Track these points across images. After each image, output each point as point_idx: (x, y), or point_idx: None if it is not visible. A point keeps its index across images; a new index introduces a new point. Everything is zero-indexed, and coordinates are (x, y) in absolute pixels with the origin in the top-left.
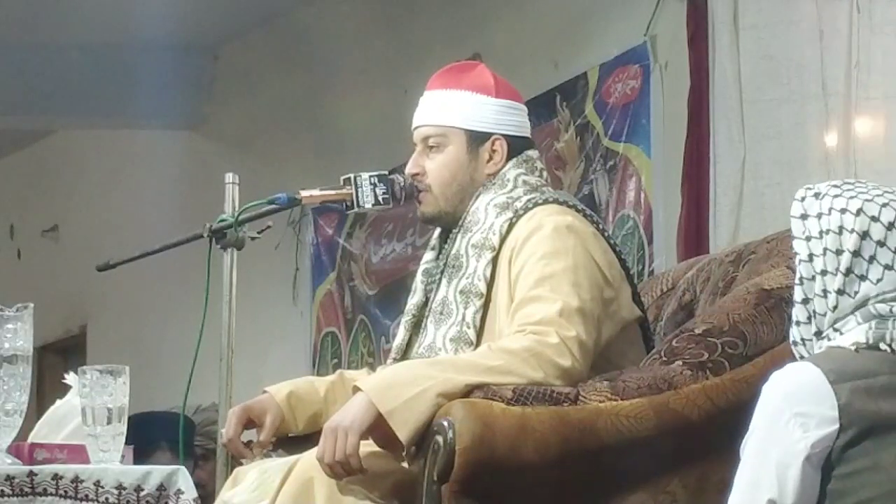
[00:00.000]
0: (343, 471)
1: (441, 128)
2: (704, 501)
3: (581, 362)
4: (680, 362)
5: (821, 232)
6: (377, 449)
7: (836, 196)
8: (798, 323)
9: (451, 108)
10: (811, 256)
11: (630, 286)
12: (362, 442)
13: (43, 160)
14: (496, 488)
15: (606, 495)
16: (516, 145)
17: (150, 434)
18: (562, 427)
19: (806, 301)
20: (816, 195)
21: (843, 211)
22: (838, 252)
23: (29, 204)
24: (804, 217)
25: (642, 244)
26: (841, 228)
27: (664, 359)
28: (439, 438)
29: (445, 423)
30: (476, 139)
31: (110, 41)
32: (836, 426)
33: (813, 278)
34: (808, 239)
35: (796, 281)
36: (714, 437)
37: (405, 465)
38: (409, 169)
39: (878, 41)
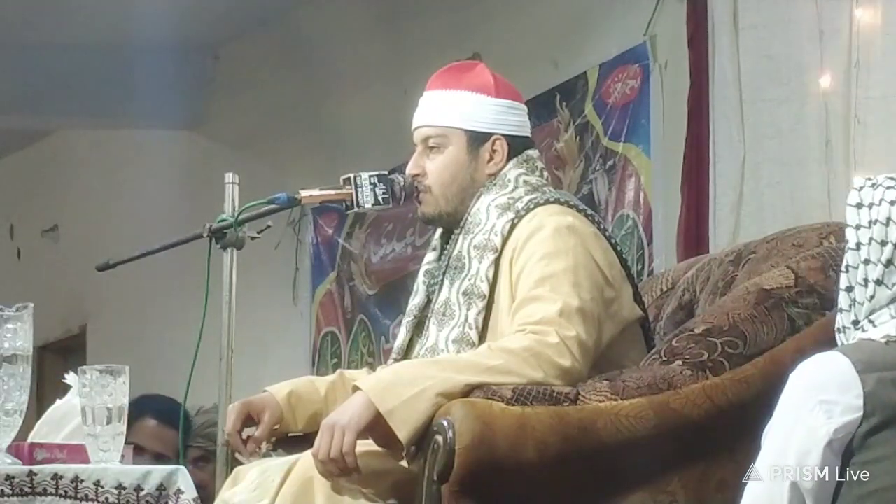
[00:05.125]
0: (337, 468)
1: (441, 128)
2: (704, 501)
3: (581, 362)
4: (680, 362)
5: (870, 222)
6: (376, 448)
7: (889, 187)
8: (841, 311)
9: (451, 108)
10: (858, 245)
11: (631, 286)
12: (361, 441)
13: (43, 160)
14: (496, 488)
15: (606, 495)
16: (517, 145)
17: (136, 408)
18: (561, 427)
19: (850, 289)
20: (874, 185)
21: (892, 203)
22: (883, 243)
23: (29, 204)
24: (859, 206)
25: (642, 244)
26: (888, 220)
27: (664, 358)
28: (439, 438)
29: (445, 423)
30: (476, 139)
31: (110, 41)
32: (860, 413)
33: (857, 266)
34: (858, 228)
35: (842, 269)
36: (714, 436)
37: (405, 464)
38: (410, 169)
39: (878, 41)
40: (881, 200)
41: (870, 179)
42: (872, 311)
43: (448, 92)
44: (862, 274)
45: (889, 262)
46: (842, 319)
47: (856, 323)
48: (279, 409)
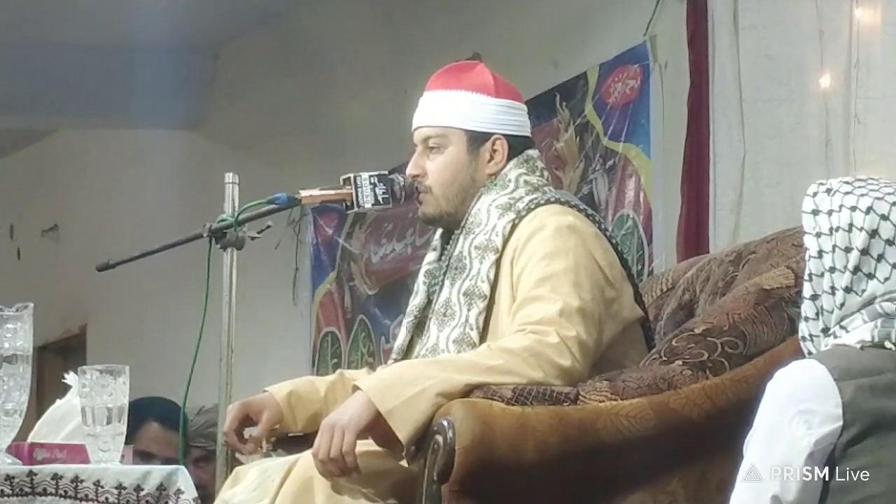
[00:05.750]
0: (337, 468)
1: (441, 128)
2: (704, 501)
3: (581, 362)
4: (680, 362)
5: (831, 229)
6: (376, 448)
7: (846, 193)
8: (807, 319)
9: (451, 108)
10: (821, 253)
11: (632, 286)
12: (362, 441)
13: (43, 160)
14: (496, 488)
15: (606, 495)
16: (517, 144)
17: (139, 412)
18: (561, 427)
19: (815, 297)
20: (828, 191)
21: (853, 208)
22: (847, 250)
23: (29, 204)
24: (815, 213)
25: (642, 244)
26: (850, 226)
27: (664, 358)
28: (439, 438)
29: (445, 423)
30: (476, 139)
31: (110, 41)
32: (840, 423)
33: (822, 275)
34: (819, 235)
35: (805, 277)
36: (714, 436)
37: (405, 464)
38: (410, 170)
39: (878, 41)
40: (840, 207)
41: (823, 185)
42: (843, 318)
43: (448, 92)
44: (828, 282)
45: (856, 269)
46: (808, 328)
47: (825, 330)
48: (278, 408)
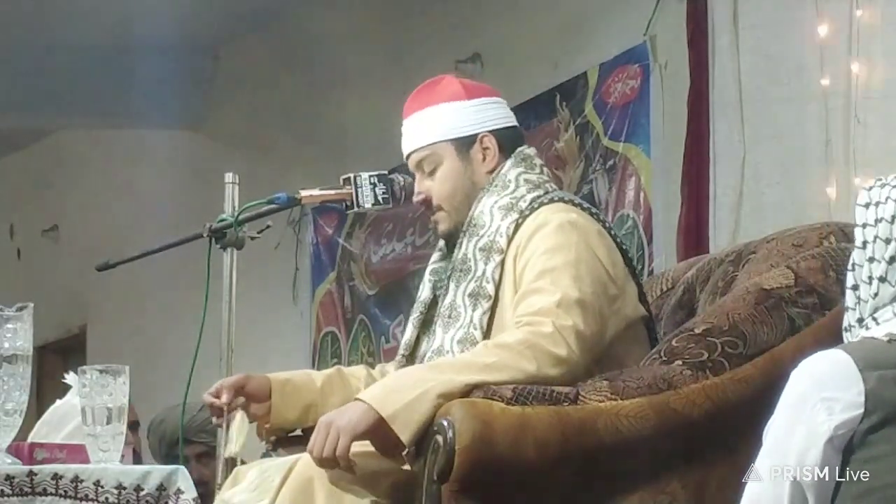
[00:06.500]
0: (331, 468)
1: (427, 147)
2: (704, 501)
3: (577, 352)
4: (680, 362)
5: (876, 220)
6: None
7: (895, 186)
8: (847, 309)
9: (430, 124)
10: (864, 243)
11: (636, 285)
12: (361, 442)
13: (43, 160)
14: (496, 488)
15: (606, 495)
16: (505, 136)
17: None
18: (561, 426)
19: (855, 287)
20: (882, 185)
21: None
22: (887, 241)
23: (29, 204)
24: (867, 206)
25: (642, 244)
26: (893, 217)
27: (664, 358)
28: (439, 438)
29: (445, 423)
30: (463, 144)
31: (110, 41)
32: (861, 411)
33: (863, 265)
34: (864, 226)
35: (849, 267)
36: (714, 436)
37: (406, 467)
38: (416, 197)
39: (878, 41)
40: (887, 199)
41: (880, 180)
42: (876, 309)
43: (423, 111)
44: (867, 272)
45: (892, 259)
46: (848, 318)
47: (860, 321)
48: (267, 385)
